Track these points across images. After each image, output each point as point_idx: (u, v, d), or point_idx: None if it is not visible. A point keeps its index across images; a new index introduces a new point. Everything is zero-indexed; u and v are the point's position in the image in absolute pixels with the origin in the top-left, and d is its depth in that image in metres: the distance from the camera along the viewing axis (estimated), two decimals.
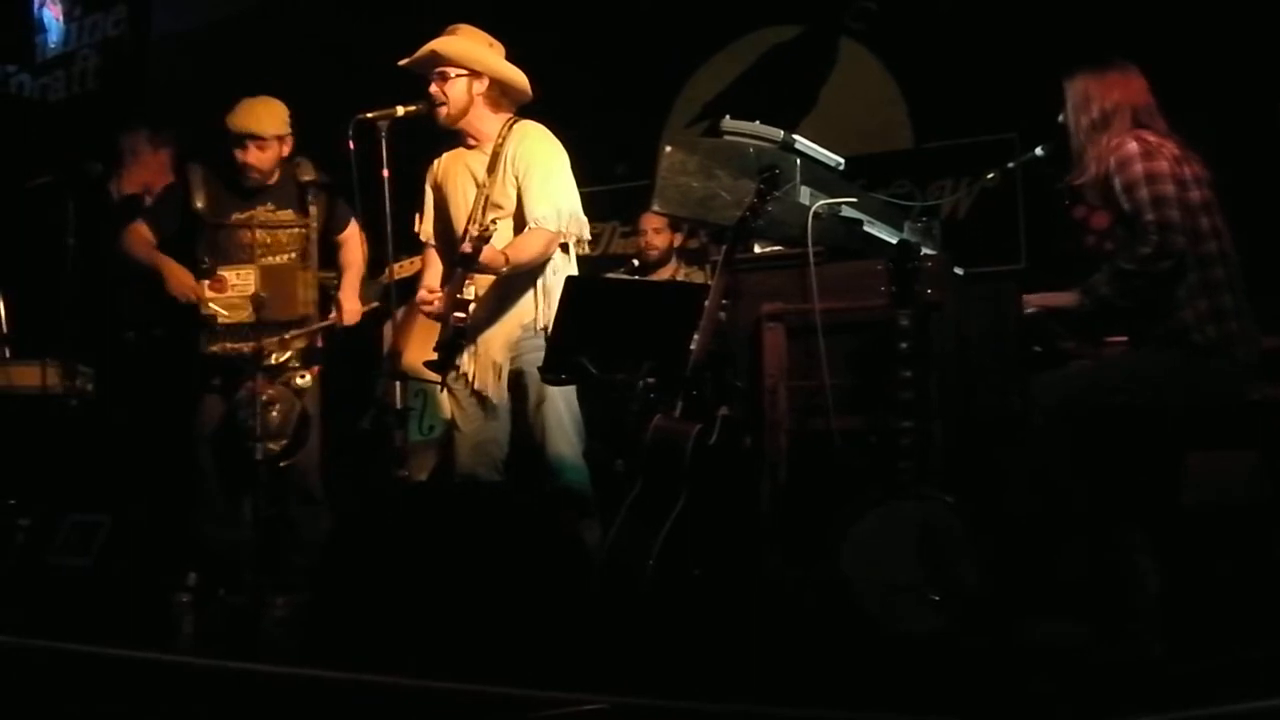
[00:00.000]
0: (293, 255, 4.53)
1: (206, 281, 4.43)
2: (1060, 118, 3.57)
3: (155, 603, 4.24)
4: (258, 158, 4.44)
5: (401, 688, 2.96)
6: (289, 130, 4.51)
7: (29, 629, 3.77)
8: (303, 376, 4.43)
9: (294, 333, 4.43)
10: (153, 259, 4.49)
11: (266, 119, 4.44)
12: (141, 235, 4.55)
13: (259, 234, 4.49)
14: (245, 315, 4.39)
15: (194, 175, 4.52)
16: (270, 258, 4.50)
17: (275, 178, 4.53)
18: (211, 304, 4.41)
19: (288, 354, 4.44)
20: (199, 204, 4.48)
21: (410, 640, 3.31)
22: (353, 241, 4.68)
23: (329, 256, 4.68)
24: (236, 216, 4.50)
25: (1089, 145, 3.49)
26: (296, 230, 4.53)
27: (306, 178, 4.54)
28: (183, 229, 4.51)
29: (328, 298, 4.65)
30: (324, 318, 4.55)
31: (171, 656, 3.53)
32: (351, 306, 4.56)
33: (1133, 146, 3.39)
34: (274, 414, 4.32)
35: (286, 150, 4.51)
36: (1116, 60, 3.57)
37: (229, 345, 4.40)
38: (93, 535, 4.62)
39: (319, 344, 4.57)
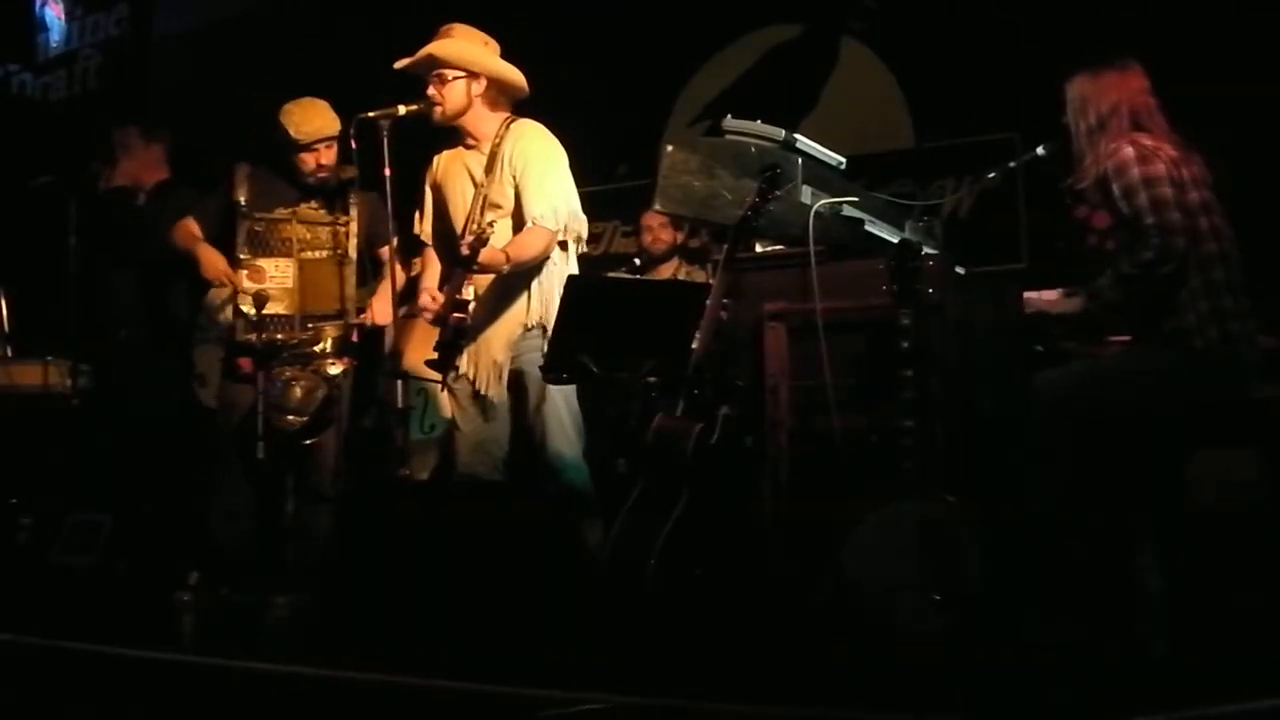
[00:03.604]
0: (332, 252, 4.56)
1: (244, 271, 4.43)
2: (1065, 120, 3.57)
3: (157, 602, 4.24)
4: (329, 156, 4.48)
5: (401, 687, 2.96)
6: None
7: (30, 628, 3.76)
8: (334, 364, 4.46)
9: (326, 324, 4.46)
10: (191, 247, 4.50)
11: (330, 118, 4.47)
12: (188, 229, 4.56)
13: (299, 229, 4.53)
14: (281, 307, 4.42)
15: (240, 172, 4.55)
16: (310, 253, 4.54)
17: None
18: (247, 291, 4.39)
19: (320, 345, 4.46)
20: (242, 198, 4.50)
21: (411, 640, 3.31)
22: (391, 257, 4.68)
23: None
24: (280, 211, 4.54)
25: (1088, 149, 3.49)
26: (338, 228, 4.57)
27: (347, 176, 4.56)
28: (226, 225, 4.52)
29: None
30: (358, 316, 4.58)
31: (172, 656, 3.52)
32: (383, 307, 4.56)
33: (1129, 151, 3.38)
34: (297, 390, 4.34)
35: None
36: (1115, 58, 3.56)
37: (263, 335, 4.40)
38: (95, 534, 4.63)
39: (354, 339, 4.59)
